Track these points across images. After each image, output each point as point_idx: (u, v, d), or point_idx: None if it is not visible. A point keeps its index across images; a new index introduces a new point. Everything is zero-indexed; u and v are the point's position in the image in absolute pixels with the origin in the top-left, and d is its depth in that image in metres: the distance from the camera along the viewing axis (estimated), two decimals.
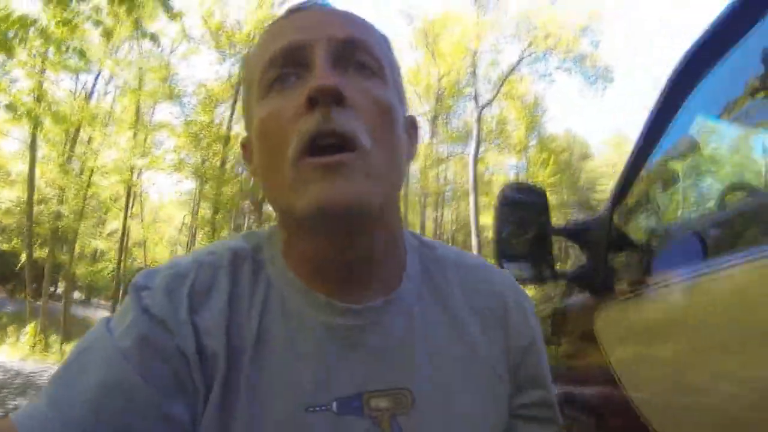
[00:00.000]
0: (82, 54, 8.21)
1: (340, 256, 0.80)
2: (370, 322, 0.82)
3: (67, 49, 7.49)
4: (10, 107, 8.20)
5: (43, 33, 7.12)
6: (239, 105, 30.68)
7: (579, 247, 2.16)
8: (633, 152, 1.97)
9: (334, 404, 0.77)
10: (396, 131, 0.81)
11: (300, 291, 0.82)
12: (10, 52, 6.89)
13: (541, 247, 2.05)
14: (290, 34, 0.78)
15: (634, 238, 2.06)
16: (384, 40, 0.89)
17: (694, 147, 2.23)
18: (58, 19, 6.74)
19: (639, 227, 2.20)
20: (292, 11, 0.85)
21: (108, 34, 8.13)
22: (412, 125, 0.93)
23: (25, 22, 6.68)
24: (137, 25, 8.05)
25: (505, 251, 2.06)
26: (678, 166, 2.34)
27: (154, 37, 8.82)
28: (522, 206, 2.09)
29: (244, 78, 0.89)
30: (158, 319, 0.74)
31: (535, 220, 2.05)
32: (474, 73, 36.60)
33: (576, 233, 2.11)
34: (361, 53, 0.79)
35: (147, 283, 0.79)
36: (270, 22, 0.89)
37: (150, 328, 0.74)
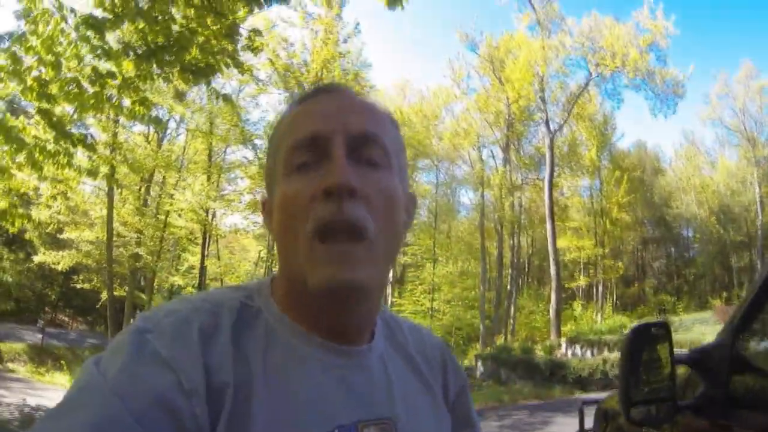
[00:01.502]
0: (158, 122, 8.33)
1: (341, 321, 0.92)
2: (359, 363, 0.94)
3: (143, 117, 7.56)
4: (91, 168, 8.35)
5: (119, 109, 7.26)
6: None
7: (699, 374, 2.19)
8: (760, 281, 2.00)
9: None
10: (397, 218, 0.92)
11: (299, 333, 0.90)
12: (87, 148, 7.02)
13: (666, 387, 2.09)
14: (314, 122, 0.90)
15: (760, 364, 2.12)
16: (393, 125, 1.01)
17: None
18: (134, 99, 6.87)
19: (765, 352, 2.21)
20: (318, 92, 0.98)
21: (180, 96, 8.23)
22: (411, 201, 1.03)
23: (100, 99, 6.80)
24: (208, 83, 8.12)
25: (632, 398, 2.07)
26: None
27: (226, 98, 8.88)
28: (648, 349, 2.15)
29: (271, 144, 1.00)
30: (165, 361, 0.75)
31: (659, 357, 2.13)
32: (543, 99, 36.38)
33: (697, 360, 2.15)
34: (372, 147, 0.90)
35: (151, 327, 0.80)
36: (298, 97, 1.03)
37: (152, 371, 0.74)
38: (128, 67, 6.45)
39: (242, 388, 0.80)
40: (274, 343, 0.88)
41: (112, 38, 6.71)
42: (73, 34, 6.44)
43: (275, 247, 0.97)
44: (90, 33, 6.21)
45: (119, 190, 22.20)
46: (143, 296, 28.28)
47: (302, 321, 0.91)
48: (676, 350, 2.11)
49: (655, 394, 2.11)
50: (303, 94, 1.01)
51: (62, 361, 23.59)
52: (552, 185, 34.88)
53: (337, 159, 0.85)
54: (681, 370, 2.28)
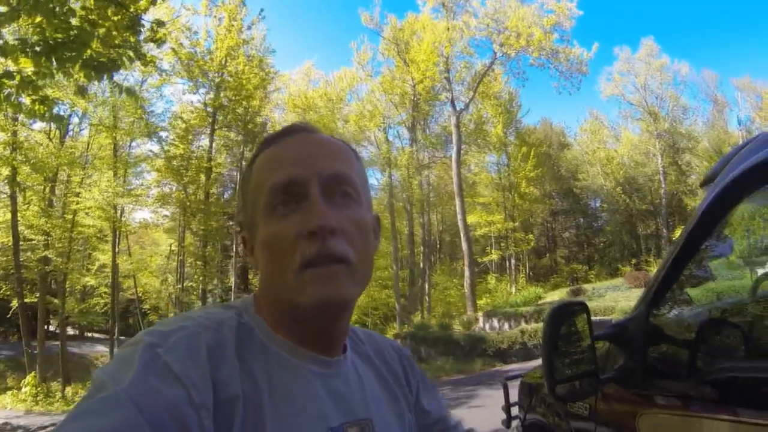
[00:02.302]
0: (59, 119, 8.07)
1: (325, 334, 1.03)
2: (339, 372, 1.05)
3: (44, 115, 7.29)
4: None
5: (17, 107, 7.00)
6: (218, 134, 30.83)
7: (618, 347, 2.35)
8: (669, 257, 2.11)
9: None
10: (369, 241, 1.04)
11: (291, 349, 1.00)
12: None
13: (587, 362, 2.21)
14: (289, 167, 0.98)
15: (673, 334, 2.29)
16: (357, 159, 1.11)
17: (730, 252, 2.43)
18: (35, 97, 6.64)
19: (676, 323, 2.38)
20: (285, 134, 1.07)
21: (82, 91, 8.00)
22: (376, 222, 1.15)
23: None
24: (110, 77, 7.90)
25: (556, 376, 2.18)
26: (714, 263, 2.47)
27: (129, 91, 8.67)
28: (569, 328, 2.26)
29: (246, 184, 1.08)
30: (176, 376, 0.81)
31: (579, 335, 2.25)
32: (448, 78, 36.77)
33: (615, 335, 2.29)
34: (343, 185, 1.00)
35: (160, 342, 0.85)
36: (266, 138, 1.11)
37: (164, 383, 0.79)
38: (26, 65, 6.24)
39: (251, 400, 0.89)
40: (271, 357, 0.97)
41: (7, 33, 6.47)
42: None
43: (260, 275, 1.05)
44: None
45: (22, 192, 21.30)
46: (56, 300, 27.31)
47: (290, 336, 1.00)
48: (593, 318, 2.24)
49: (577, 371, 2.22)
50: (271, 135, 1.10)
51: None
52: (459, 163, 35.29)
53: (316, 202, 0.95)
54: (601, 345, 2.41)
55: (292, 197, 0.96)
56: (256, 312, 1.03)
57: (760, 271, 2.58)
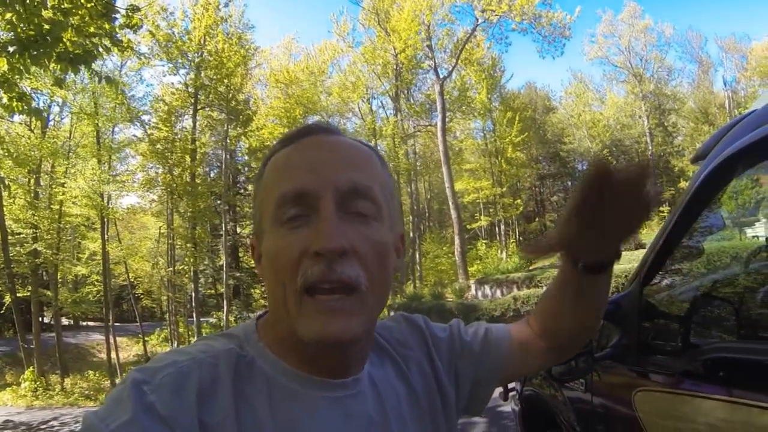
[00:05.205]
0: (38, 113, 7.97)
1: (334, 362, 0.94)
2: (355, 392, 0.97)
3: (22, 111, 7.22)
4: None
5: None
6: (201, 114, 30.64)
7: (613, 324, 2.37)
8: (662, 234, 2.14)
9: None
10: (388, 267, 0.93)
11: (298, 377, 0.92)
12: None
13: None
14: (301, 176, 0.89)
15: (666, 311, 2.34)
16: (382, 165, 1.02)
17: (722, 226, 2.46)
18: (12, 94, 6.56)
19: (670, 299, 2.44)
20: (303, 134, 0.97)
21: (59, 82, 7.91)
22: (400, 240, 1.04)
23: None
24: (88, 67, 7.81)
25: None
26: (707, 239, 2.48)
27: (109, 79, 8.58)
28: None
29: (257, 188, 0.99)
30: (162, 417, 0.77)
31: None
32: (430, 46, 36.57)
33: (609, 312, 2.25)
34: (362, 200, 0.90)
35: (148, 378, 0.81)
36: (283, 137, 1.00)
37: (152, 425, 0.75)
38: (0, 65, 6.15)
39: None
40: (276, 389, 0.90)
41: None
42: None
43: (265, 294, 1.00)
44: None
45: (6, 187, 21.12)
46: (48, 293, 27.30)
47: (298, 364, 0.93)
48: None
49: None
50: (286, 134, 1.01)
51: None
52: (445, 130, 35.11)
53: (327, 219, 0.85)
54: None
55: (301, 209, 0.88)
56: (259, 339, 0.97)
57: (753, 245, 2.59)
